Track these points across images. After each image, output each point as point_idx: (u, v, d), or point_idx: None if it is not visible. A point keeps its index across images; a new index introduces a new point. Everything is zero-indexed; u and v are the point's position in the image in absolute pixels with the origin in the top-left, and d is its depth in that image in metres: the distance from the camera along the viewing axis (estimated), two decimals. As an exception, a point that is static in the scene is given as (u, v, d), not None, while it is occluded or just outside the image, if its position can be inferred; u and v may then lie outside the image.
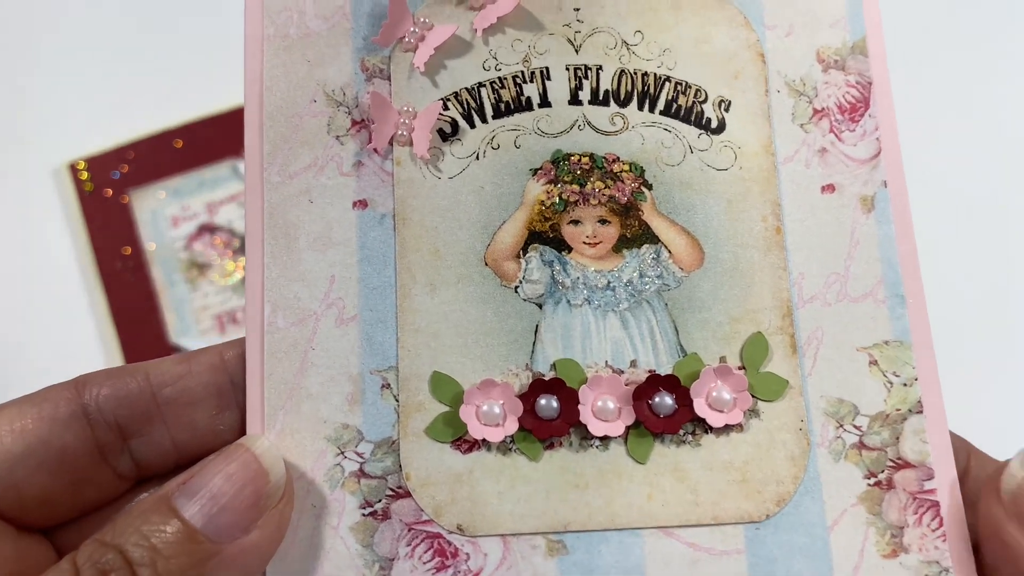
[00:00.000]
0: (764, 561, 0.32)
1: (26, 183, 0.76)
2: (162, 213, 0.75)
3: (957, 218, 0.60)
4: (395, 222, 0.34)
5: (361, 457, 0.32)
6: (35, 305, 0.74)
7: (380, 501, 0.32)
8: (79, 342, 0.73)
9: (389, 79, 0.35)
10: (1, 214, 0.75)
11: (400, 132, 0.34)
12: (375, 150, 0.34)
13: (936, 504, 0.33)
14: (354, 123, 0.35)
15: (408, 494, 0.32)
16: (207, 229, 0.75)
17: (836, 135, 0.36)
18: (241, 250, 0.74)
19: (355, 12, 0.35)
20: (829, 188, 0.36)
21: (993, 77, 0.64)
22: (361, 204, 0.34)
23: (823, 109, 0.36)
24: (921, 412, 0.34)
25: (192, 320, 0.73)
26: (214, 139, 0.76)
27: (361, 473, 0.32)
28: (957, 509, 0.33)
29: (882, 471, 0.33)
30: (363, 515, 0.32)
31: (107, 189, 0.75)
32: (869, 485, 0.33)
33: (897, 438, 0.34)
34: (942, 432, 0.34)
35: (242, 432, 0.32)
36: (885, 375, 0.34)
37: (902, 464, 0.33)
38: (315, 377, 0.33)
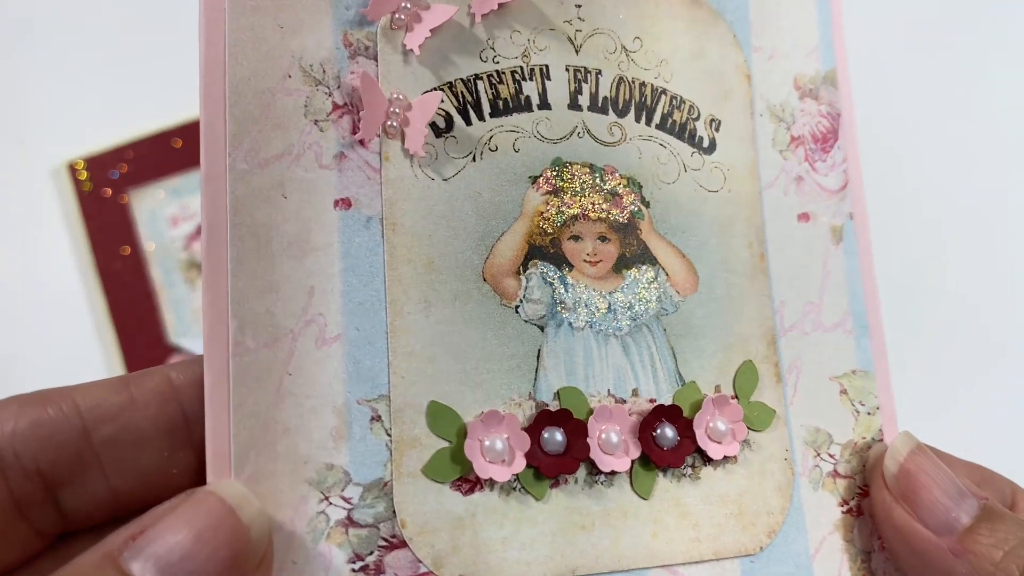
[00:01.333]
0: None
1: (25, 183, 0.74)
2: (161, 213, 0.74)
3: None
4: (383, 227, 0.30)
5: (349, 503, 0.28)
6: (34, 305, 0.72)
7: (372, 553, 0.28)
8: (78, 342, 0.71)
9: (376, 59, 0.30)
10: (0, 214, 0.73)
11: (391, 123, 0.30)
12: (361, 141, 0.30)
13: (899, 529, 0.34)
14: (336, 107, 0.29)
15: (404, 544, 0.28)
16: None
17: (810, 164, 0.36)
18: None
19: (337, -25, 0.30)
20: (804, 216, 0.36)
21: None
22: (344, 203, 0.29)
23: (799, 137, 0.36)
24: (882, 440, 0.35)
25: (191, 320, 0.72)
26: None
27: (349, 521, 0.28)
28: None
29: (853, 498, 0.34)
30: (353, 571, 0.27)
31: (106, 189, 0.73)
32: (843, 512, 0.34)
33: (864, 466, 0.35)
34: (901, 459, 0.35)
35: (201, 476, 0.26)
36: (853, 404, 0.35)
37: (868, 491, 0.34)
38: (293, 408, 0.28)
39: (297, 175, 0.29)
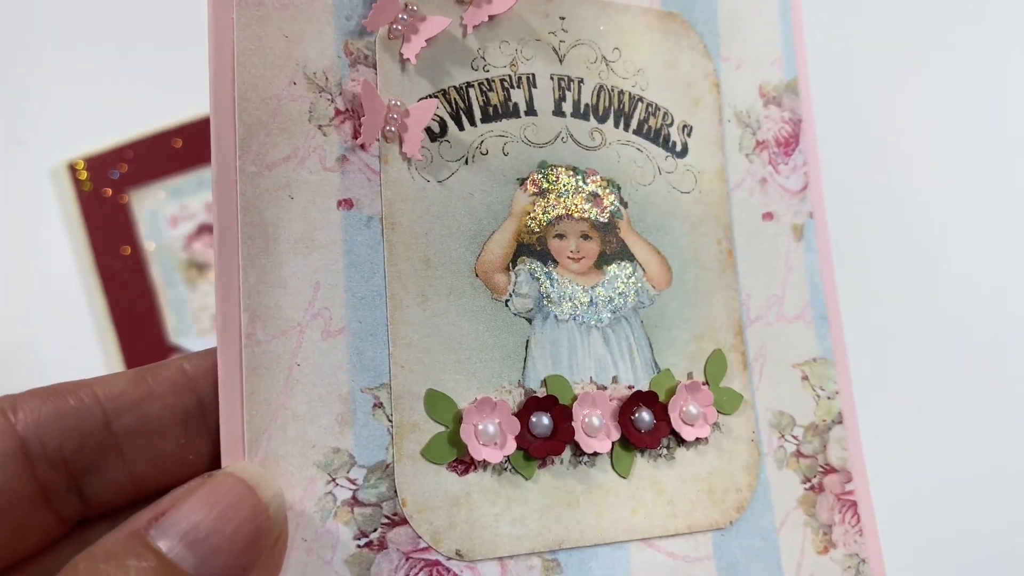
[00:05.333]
0: (728, 564, 0.34)
1: (25, 183, 0.74)
2: (161, 213, 0.73)
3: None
4: (383, 226, 0.31)
5: (354, 484, 0.30)
6: (34, 305, 0.72)
7: (376, 530, 0.30)
8: (78, 342, 0.71)
9: (375, 67, 0.32)
10: (0, 214, 0.73)
11: (389, 128, 0.32)
12: (361, 146, 0.31)
13: (855, 504, 0.37)
14: (338, 112, 0.31)
15: (405, 521, 0.30)
16: (206, 229, 0.73)
17: (774, 167, 0.39)
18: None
19: (337, -12, 0.32)
20: (768, 216, 0.39)
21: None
22: (346, 203, 0.31)
23: (764, 141, 0.39)
24: (841, 423, 0.38)
25: (191, 320, 0.71)
26: None
27: (354, 501, 0.30)
28: (870, 507, 0.37)
29: (815, 476, 0.37)
30: (358, 546, 0.30)
31: (106, 189, 0.73)
32: (805, 489, 0.37)
33: (824, 446, 0.38)
34: (857, 440, 0.38)
35: (216, 461, 0.28)
36: (814, 389, 0.38)
37: (828, 469, 0.37)
38: (301, 396, 0.29)
39: (303, 177, 0.30)
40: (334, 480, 0.29)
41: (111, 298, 0.72)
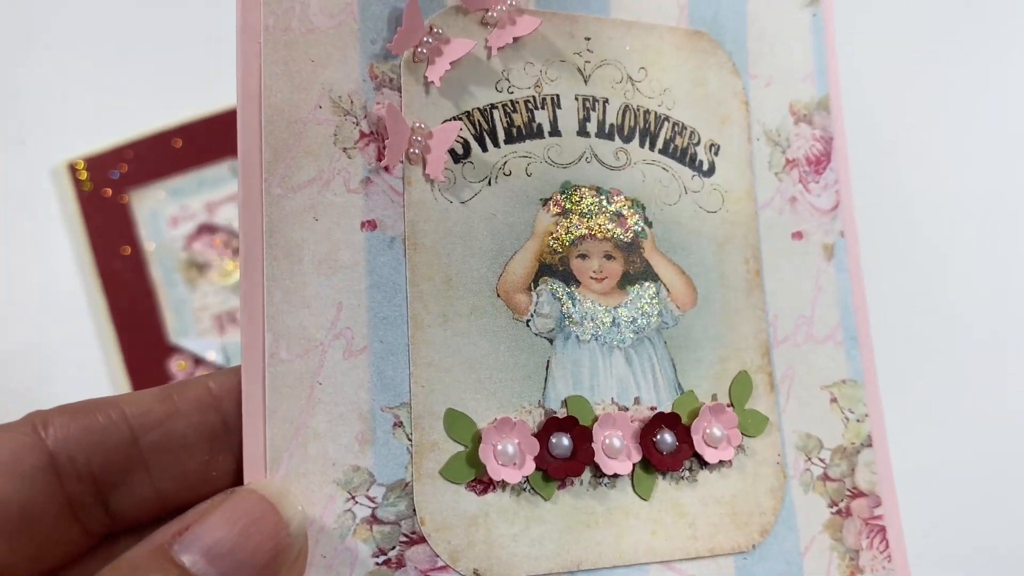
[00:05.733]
0: None
1: (25, 183, 0.74)
2: (161, 213, 0.74)
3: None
4: (405, 247, 0.32)
5: (373, 502, 0.30)
6: (34, 305, 0.72)
7: (394, 548, 0.30)
8: (78, 342, 0.71)
9: (399, 90, 0.33)
10: (0, 214, 0.73)
11: (413, 150, 0.32)
12: (385, 168, 0.32)
13: (883, 529, 0.37)
14: (362, 135, 0.32)
15: (423, 539, 0.30)
16: (206, 229, 0.74)
17: (804, 185, 0.38)
18: (240, 250, 0.72)
19: (363, 13, 0.32)
20: (798, 235, 0.38)
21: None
22: (370, 225, 0.32)
23: (794, 160, 0.38)
24: (871, 446, 0.37)
25: (191, 320, 0.72)
26: (213, 139, 0.74)
27: (373, 519, 0.30)
28: (899, 531, 0.37)
29: (842, 500, 0.36)
30: (376, 564, 0.30)
31: (106, 189, 0.73)
32: (832, 513, 0.36)
33: (853, 469, 0.37)
34: (887, 464, 0.37)
35: (239, 478, 0.29)
36: (843, 412, 0.37)
37: (857, 493, 0.37)
38: (322, 415, 0.30)
39: (327, 199, 0.31)
40: (353, 498, 0.30)
41: (111, 298, 0.72)
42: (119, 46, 0.76)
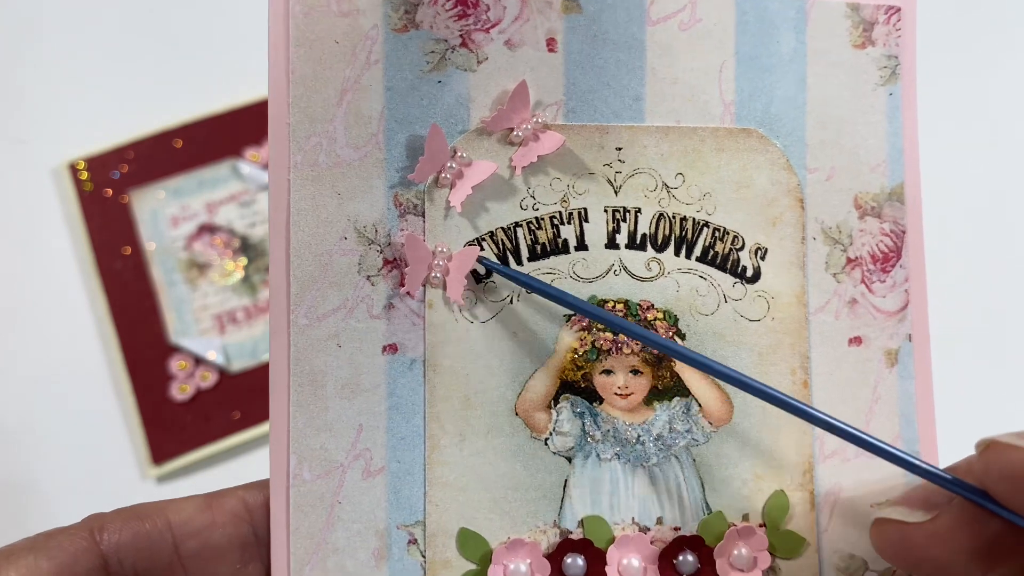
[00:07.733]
0: None
1: (25, 183, 0.75)
2: (162, 213, 0.75)
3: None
4: (425, 368, 0.33)
5: (387, 614, 0.32)
6: (34, 305, 0.74)
7: (405, 659, 0.32)
8: (78, 342, 0.73)
9: (423, 216, 0.34)
10: (0, 214, 0.75)
11: (434, 275, 0.33)
12: (408, 293, 0.33)
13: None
14: (386, 262, 0.33)
15: (433, 652, 0.32)
16: (207, 229, 0.75)
17: (867, 286, 0.36)
18: (241, 250, 0.75)
19: (388, 141, 0.33)
20: (856, 340, 0.36)
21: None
22: (391, 348, 0.33)
23: (856, 258, 0.36)
24: (928, 570, 0.35)
25: (192, 320, 0.74)
26: (214, 139, 0.76)
27: (387, 631, 0.32)
28: None
29: (888, 628, 0.35)
30: (388, 673, 0.32)
31: (107, 189, 0.75)
32: (875, 642, 0.34)
33: (903, 594, 0.35)
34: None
35: (266, 586, 0.32)
36: (897, 532, 0.35)
37: None
38: (341, 531, 0.32)
39: (351, 325, 0.33)
40: (369, 610, 0.32)
41: (111, 298, 0.73)
42: (120, 46, 0.77)
